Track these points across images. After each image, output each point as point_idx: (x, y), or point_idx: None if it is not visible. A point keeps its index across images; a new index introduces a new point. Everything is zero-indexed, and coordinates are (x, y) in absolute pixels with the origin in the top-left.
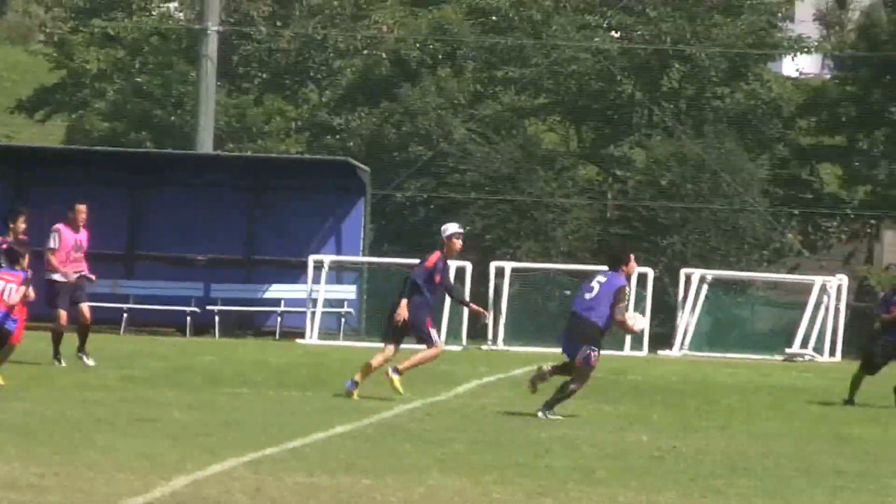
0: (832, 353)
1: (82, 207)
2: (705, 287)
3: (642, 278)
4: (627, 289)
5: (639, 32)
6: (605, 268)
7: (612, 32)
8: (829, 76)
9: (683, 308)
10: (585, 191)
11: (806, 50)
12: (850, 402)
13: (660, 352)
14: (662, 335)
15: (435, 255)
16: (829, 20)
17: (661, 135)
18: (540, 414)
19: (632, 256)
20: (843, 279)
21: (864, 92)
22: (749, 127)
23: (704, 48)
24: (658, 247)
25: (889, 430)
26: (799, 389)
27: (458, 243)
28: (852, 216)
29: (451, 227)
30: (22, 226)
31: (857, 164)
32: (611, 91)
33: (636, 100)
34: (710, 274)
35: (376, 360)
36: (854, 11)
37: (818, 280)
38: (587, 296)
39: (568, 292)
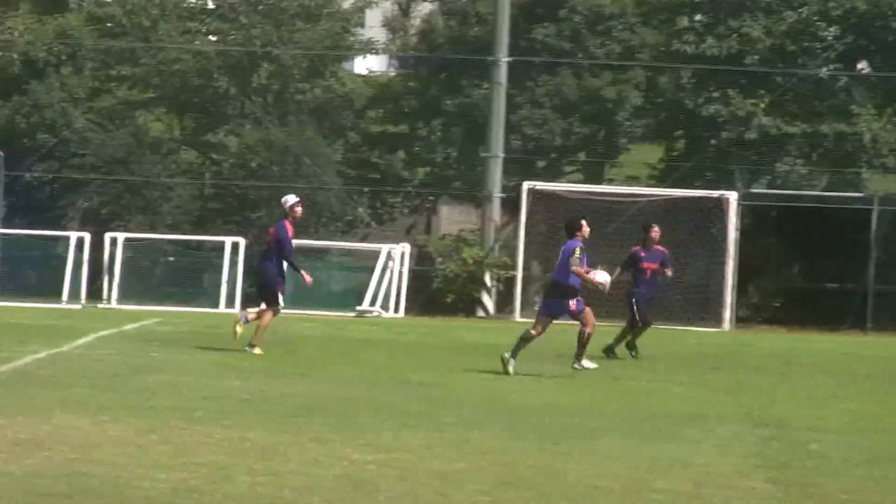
0: (396, 310)
1: None
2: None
3: (235, 246)
4: (580, 248)
5: (232, 37)
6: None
7: (210, 36)
8: (394, 73)
9: None
10: (187, 172)
11: (374, 51)
12: (634, 355)
13: (249, 309)
14: (249, 296)
15: (289, 225)
16: (394, 26)
17: (252, 124)
18: (576, 364)
19: (583, 222)
20: (405, 247)
21: (423, 87)
22: (326, 117)
23: (288, 50)
24: (249, 220)
25: (445, 375)
26: (368, 341)
27: (300, 210)
28: (414, 193)
29: (291, 198)
30: None
31: (417, 148)
32: (209, 87)
33: (230, 94)
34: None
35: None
36: (415, 18)
37: (385, 248)
38: (556, 264)
39: (172, 258)
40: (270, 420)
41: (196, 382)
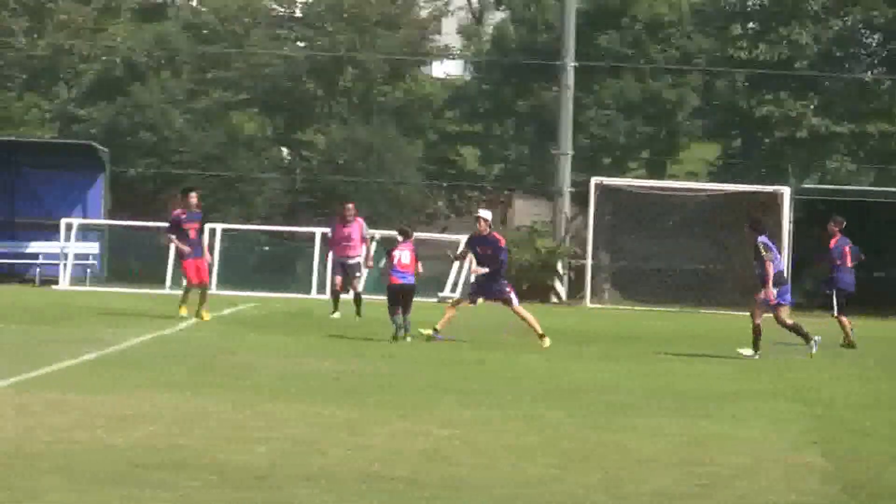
0: None
1: None
2: (374, 244)
3: (325, 237)
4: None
5: (319, 43)
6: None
7: (299, 42)
8: (469, 77)
9: None
10: (278, 167)
11: (451, 56)
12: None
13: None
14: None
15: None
16: (469, 32)
17: (338, 123)
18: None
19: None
20: None
21: (496, 89)
22: (407, 117)
23: (371, 55)
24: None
25: (512, 356)
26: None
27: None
28: (490, 188)
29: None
30: None
31: (492, 146)
32: (298, 89)
33: (318, 96)
34: (378, 233)
35: None
36: (489, 25)
37: (463, 238)
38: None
39: (267, 248)
40: (357, 397)
41: (289, 363)
